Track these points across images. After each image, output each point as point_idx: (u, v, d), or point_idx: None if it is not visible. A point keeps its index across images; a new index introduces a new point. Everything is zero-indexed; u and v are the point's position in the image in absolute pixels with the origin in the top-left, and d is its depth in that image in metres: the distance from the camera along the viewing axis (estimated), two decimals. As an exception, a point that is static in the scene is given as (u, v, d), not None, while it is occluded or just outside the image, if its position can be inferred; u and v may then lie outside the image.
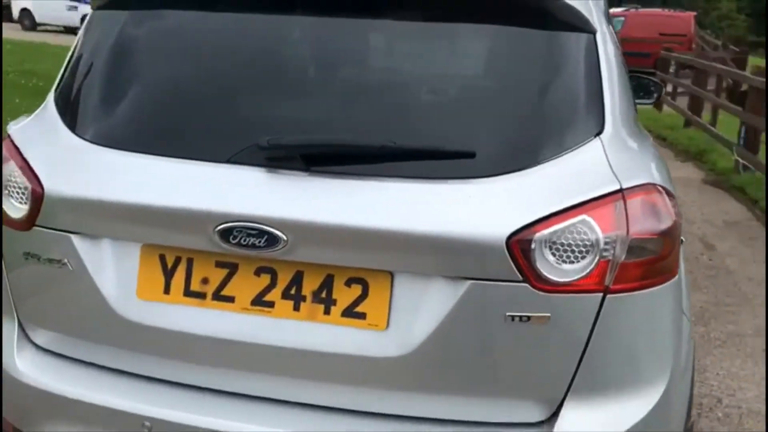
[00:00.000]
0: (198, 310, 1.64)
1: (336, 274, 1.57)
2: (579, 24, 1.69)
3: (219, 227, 1.54)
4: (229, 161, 1.60)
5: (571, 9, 1.69)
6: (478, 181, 1.53)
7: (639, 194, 1.56)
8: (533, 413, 1.59)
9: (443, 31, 1.74)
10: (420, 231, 1.51)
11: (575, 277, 1.50)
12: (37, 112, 1.93)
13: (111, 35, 1.86)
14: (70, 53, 1.96)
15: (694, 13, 21.14)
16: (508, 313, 1.51)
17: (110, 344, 1.74)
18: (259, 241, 1.53)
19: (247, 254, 1.56)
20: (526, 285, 1.49)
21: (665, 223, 1.57)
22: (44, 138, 1.80)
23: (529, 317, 1.51)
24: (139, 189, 1.63)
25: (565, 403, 1.58)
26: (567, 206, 1.50)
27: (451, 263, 1.51)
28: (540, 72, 1.67)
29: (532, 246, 1.48)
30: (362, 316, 1.56)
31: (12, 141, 1.82)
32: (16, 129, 1.86)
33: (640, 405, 1.62)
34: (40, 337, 1.83)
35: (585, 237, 1.49)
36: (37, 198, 1.70)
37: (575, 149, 1.59)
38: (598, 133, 1.62)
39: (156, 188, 1.62)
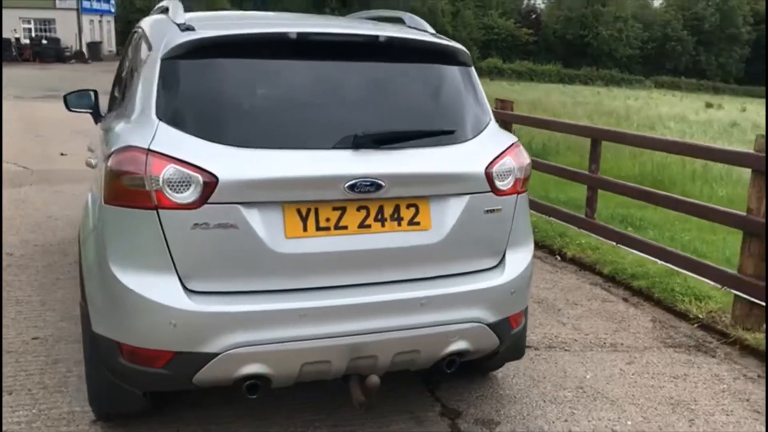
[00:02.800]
0: (326, 238, 2.75)
1: (400, 203, 2.84)
2: (466, 61, 3.22)
3: (347, 183, 2.70)
4: (333, 147, 2.75)
5: (464, 51, 3.20)
6: (460, 145, 2.97)
7: (519, 146, 3.17)
8: (494, 261, 3.08)
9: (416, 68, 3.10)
10: (441, 172, 2.89)
11: (508, 187, 3.04)
12: (132, 126, 2.76)
13: (210, 73, 2.80)
14: (152, 82, 2.80)
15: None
16: (485, 209, 2.98)
17: (265, 274, 2.71)
18: (371, 189, 2.73)
19: (358, 197, 2.73)
20: (492, 193, 2.98)
21: (528, 160, 3.20)
22: (181, 146, 2.65)
23: (493, 210, 3.00)
24: (284, 168, 2.67)
25: (506, 253, 3.11)
26: (500, 152, 3.04)
27: (459, 187, 2.92)
28: (460, 89, 3.15)
29: (493, 173, 2.98)
30: (417, 223, 2.87)
31: (154, 151, 2.63)
32: (153, 142, 2.65)
33: (528, 252, 3.23)
34: (198, 284, 2.67)
35: (510, 167, 3.04)
36: (211, 184, 2.60)
37: (487, 127, 3.12)
38: (490, 119, 3.18)
39: (294, 166, 2.68)
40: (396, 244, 2.84)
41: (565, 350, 4.28)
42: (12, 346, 4.05)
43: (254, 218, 2.67)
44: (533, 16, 69.60)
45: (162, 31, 3.07)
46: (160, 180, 2.60)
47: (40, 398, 3.49)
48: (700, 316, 4.73)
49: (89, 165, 3.74)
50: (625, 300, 5.22)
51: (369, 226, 2.80)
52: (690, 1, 76.07)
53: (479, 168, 2.96)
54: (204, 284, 2.69)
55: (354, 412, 3.14)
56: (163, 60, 2.83)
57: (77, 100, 5.03)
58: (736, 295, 4.52)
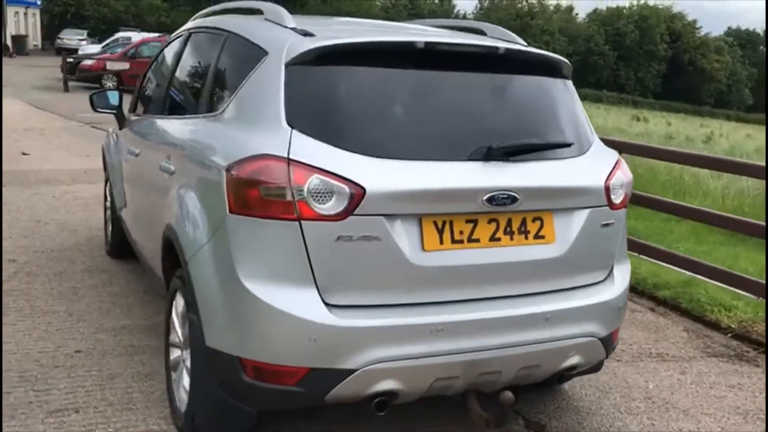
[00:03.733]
0: (460, 251, 2.69)
1: (527, 216, 2.81)
2: (568, 74, 3.22)
3: (486, 196, 2.65)
4: (468, 159, 2.70)
5: (568, 64, 3.20)
6: (577, 158, 2.97)
7: (622, 160, 3.19)
8: (604, 275, 3.08)
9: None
10: (569, 185, 2.87)
11: (619, 201, 3.05)
12: (258, 133, 2.65)
13: (339, 82, 2.70)
14: (276, 88, 2.68)
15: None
16: (602, 222, 2.99)
17: (403, 287, 2.63)
18: (507, 201, 2.69)
19: (492, 210, 2.69)
20: (608, 207, 2.99)
21: (631, 175, 3.22)
22: (322, 156, 2.55)
23: (608, 224, 3.01)
24: (427, 180, 2.60)
25: (614, 267, 3.13)
26: (612, 166, 3.06)
27: (581, 201, 2.92)
28: (568, 102, 3.14)
29: (610, 187, 2.99)
30: (542, 237, 2.84)
31: (295, 160, 2.52)
32: (292, 151, 2.54)
33: (628, 266, 3.26)
34: (336, 298, 2.57)
35: (621, 181, 3.06)
36: (358, 196, 2.50)
37: (594, 141, 3.13)
38: (593, 133, 3.19)
39: (436, 178, 2.62)
40: (523, 258, 2.81)
41: (617, 360, 4.33)
42: (57, 360, 3.81)
43: (396, 231, 2.59)
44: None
45: (273, 35, 2.95)
46: (305, 190, 2.49)
47: (110, 416, 3.30)
48: (733, 326, 4.88)
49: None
50: (652, 310, 5.34)
51: (499, 239, 2.77)
52: (611, 17, 79.11)
53: (600, 182, 2.96)
54: (342, 298, 2.59)
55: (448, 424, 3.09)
56: (289, 66, 2.72)
57: (102, 100, 4.80)
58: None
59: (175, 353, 3.31)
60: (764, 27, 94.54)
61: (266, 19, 3.18)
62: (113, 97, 4.91)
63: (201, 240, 2.80)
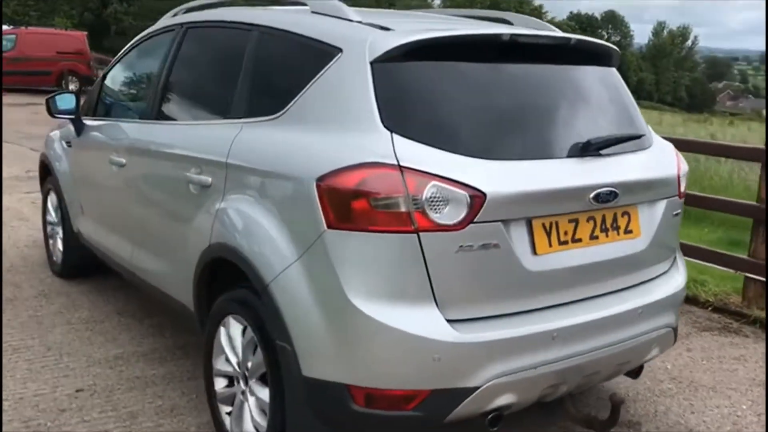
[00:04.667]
0: (566, 252, 2.59)
1: (617, 211, 2.75)
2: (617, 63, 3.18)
3: (593, 194, 2.56)
4: (567, 156, 2.60)
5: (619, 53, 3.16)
6: (648, 150, 2.94)
7: (678, 152, 3.20)
8: (669, 264, 3.09)
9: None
10: (654, 177, 2.84)
11: (683, 190, 3.06)
12: (350, 137, 2.43)
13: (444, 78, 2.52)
14: (363, 88, 2.46)
15: (86, 33, 22.13)
16: (674, 212, 2.98)
17: (517, 295, 2.49)
18: (610, 198, 2.62)
19: (595, 207, 2.60)
20: (677, 197, 2.99)
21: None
22: (433, 161, 2.35)
23: (677, 213, 3.01)
24: (539, 180, 2.48)
25: (676, 256, 3.14)
26: (676, 157, 3.06)
27: (661, 192, 2.90)
28: (627, 92, 3.11)
29: (680, 177, 2.99)
30: (630, 231, 2.80)
31: (407, 167, 2.31)
32: (399, 157, 2.32)
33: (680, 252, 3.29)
34: (454, 312, 2.39)
35: (684, 170, 3.07)
36: (478, 202, 2.33)
37: (651, 131, 3.11)
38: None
39: (548, 178, 2.50)
40: (617, 254, 2.75)
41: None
42: (61, 403, 3.38)
43: (513, 236, 2.45)
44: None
45: (342, 30, 2.70)
46: (422, 200, 2.29)
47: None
48: (710, 300, 5.10)
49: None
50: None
51: (597, 237, 2.69)
52: (465, 3, 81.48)
53: (674, 171, 2.96)
54: (461, 311, 2.42)
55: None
56: (375, 63, 2.49)
57: (62, 104, 4.30)
58: (747, 278, 4.94)
59: (220, 383, 3.00)
60: (601, 12, 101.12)
61: (315, 12, 2.91)
62: (71, 101, 4.39)
63: (286, 260, 2.52)
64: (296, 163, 2.55)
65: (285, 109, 2.73)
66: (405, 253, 2.32)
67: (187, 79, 3.58)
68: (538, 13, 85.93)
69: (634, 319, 2.77)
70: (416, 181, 2.30)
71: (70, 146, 4.66)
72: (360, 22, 2.71)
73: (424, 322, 2.35)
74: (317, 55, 2.68)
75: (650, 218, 2.87)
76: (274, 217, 2.60)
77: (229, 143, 2.91)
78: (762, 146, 4.89)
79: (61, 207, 4.82)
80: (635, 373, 3.09)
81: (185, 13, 3.96)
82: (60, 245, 5.00)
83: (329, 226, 2.38)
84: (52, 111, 4.35)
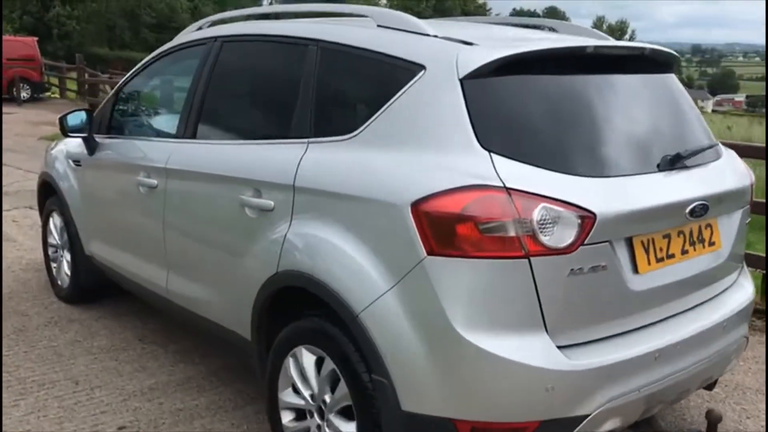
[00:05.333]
0: (662, 269, 2.53)
1: (701, 224, 2.70)
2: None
3: (689, 208, 2.51)
4: (659, 170, 2.53)
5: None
6: (721, 159, 2.90)
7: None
8: (737, 273, 3.05)
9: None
10: (735, 188, 2.80)
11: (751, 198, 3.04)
12: (443, 158, 2.32)
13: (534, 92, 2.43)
14: (454, 106, 2.36)
15: (36, 39, 21.40)
16: (746, 222, 2.96)
17: (620, 316, 2.42)
18: (703, 211, 2.56)
19: (687, 222, 2.55)
20: (749, 205, 2.97)
21: None
22: (538, 181, 2.26)
23: (748, 222, 2.99)
24: (643, 197, 2.41)
25: (743, 266, 3.11)
26: (744, 166, 3.03)
27: (739, 202, 2.86)
28: (690, 99, 3.07)
29: (752, 185, 2.96)
30: (713, 243, 2.75)
31: (514, 189, 2.21)
32: (504, 179, 2.22)
33: None
34: (563, 338, 2.30)
35: (752, 179, 3.04)
36: (589, 222, 2.25)
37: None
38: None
39: (650, 194, 2.43)
40: (703, 267, 2.71)
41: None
42: None
43: (619, 255, 2.38)
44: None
45: (421, 45, 2.57)
46: (533, 223, 2.20)
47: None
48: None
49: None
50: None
51: (687, 251, 2.64)
52: (411, 0, 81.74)
53: (747, 181, 2.93)
54: (569, 337, 2.33)
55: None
56: (465, 80, 2.39)
57: (75, 122, 4.08)
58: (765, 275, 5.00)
59: (287, 416, 2.86)
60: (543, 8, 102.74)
61: (382, 26, 2.78)
62: (83, 118, 4.16)
63: (378, 288, 2.39)
64: (384, 186, 2.42)
65: (360, 129, 2.60)
66: (515, 279, 2.23)
67: (231, 96, 3.40)
68: (483, 10, 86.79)
69: (721, 332, 2.74)
70: (525, 203, 2.20)
71: (79, 165, 4.41)
72: (436, 36, 2.59)
73: (536, 350, 2.25)
74: (395, 72, 2.56)
75: (729, 229, 2.83)
76: (360, 242, 2.46)
77: (295, 165, 2.76)
78: (762, 145, 4.95)
79: (69, 229, 4.57)
80: (711, 385, 3.06)
81: (210, 26, 3.78)
82: (66, 269, 4.75)
83: (430, 253, 2.26)
84: (66, 130, 4.12)
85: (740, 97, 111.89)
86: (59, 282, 4.87)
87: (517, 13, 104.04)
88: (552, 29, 3.37)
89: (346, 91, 2.83)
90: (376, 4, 77.76)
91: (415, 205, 2.29)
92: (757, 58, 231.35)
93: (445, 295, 2.25)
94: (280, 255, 2.76)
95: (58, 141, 5.01)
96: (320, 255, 2.60)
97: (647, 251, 2.48)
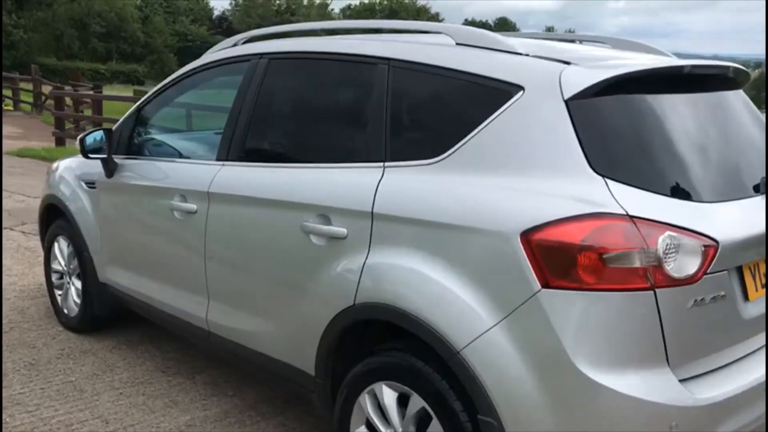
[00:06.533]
0: (763, 296, 2.44)
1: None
2: None
3: None
4: (757, 192, 2.45)
5: None
6: None
7: None
8: None
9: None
10: None
11: None
12: (579, 194, 2.16)
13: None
14: (561, 129, 2.24)
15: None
16: None
17: (732, 344, 2.32)
18: None
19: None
20: None
21: None
22: (657, 208, 2.15)
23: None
24: (755, 223, 2.32)
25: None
26: None
27: None
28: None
29: None
30: None
31: (638, 217, 2.10)
32: (625, 206, 2.11)
33: None
34: (683, 371, 2.19)
35: None
36: (712, 251, 2.15)
37: None
38: None
39: (758, 219, 2.34)
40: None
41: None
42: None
43: (734, 284, 2.29)
44: (226, 24, 69.05)
45: (515, 65, 2.44)
46: (657, 253, 2.09)
47: None
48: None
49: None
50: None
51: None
52: (365, 12, 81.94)
53: None
54: (688, 370, 2.23)
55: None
56: (571, 101, 2.27)
57: (95, 143, 3.85)
58: None
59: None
60: (493, 20, 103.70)
61: (462, 44, 2.64)
62: (102, 138, 3.92)
63: (483, 323, 2.24)
64: (485, 213, 2.28)
65: (449, 153, 2.46)
66: (640, 312, 2.11)
67: (285, 116, 3.22)
68: (436, 19, 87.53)
69: None
70: (649, 231, 2.09)
71: (93, 187, 4.16)
72: (528, 54, 2.47)
73: (660, 386, 2.14)
74: (488, 93, 2.43)
75: None
76: (456, 273, 2.32)
77: (372, 190, 2.60)
78: None
79: (81, 255, 4.30)
80: None
81: (245, 43, 3.59)
82: (75, 296, 4.47)
83: (545, 285, 2.13)
84: (86, 151, 3.87)
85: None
86: (65, 311, 4.59)
87: (468, 23, 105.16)
88: (604, 43, 3.29)
89: (427, 114, 2.68)
90: (330, 18, 77.75)
91: (526, 235, 2.16)
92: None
93: (563, 330, 2.12)
94: (357, 286, 2.59)
95: (60, 161, 4.73)
96: (409, 286, 2.45)
97: (754, 277, 2.40)
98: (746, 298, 2.35)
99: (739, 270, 2.33)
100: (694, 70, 2.53)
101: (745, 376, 2.33)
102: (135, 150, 3.93)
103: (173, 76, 3.82)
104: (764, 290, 2.45)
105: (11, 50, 42.00)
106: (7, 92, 22.63)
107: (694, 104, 2.56)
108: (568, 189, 2.19)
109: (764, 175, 2.52)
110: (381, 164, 2.64)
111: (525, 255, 2.15)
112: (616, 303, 2.10)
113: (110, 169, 3.94)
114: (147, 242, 3.78)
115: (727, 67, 2.70)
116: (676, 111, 2.46)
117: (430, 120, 2.65)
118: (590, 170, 2.19)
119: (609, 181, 2.17)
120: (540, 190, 2.23)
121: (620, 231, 2.09)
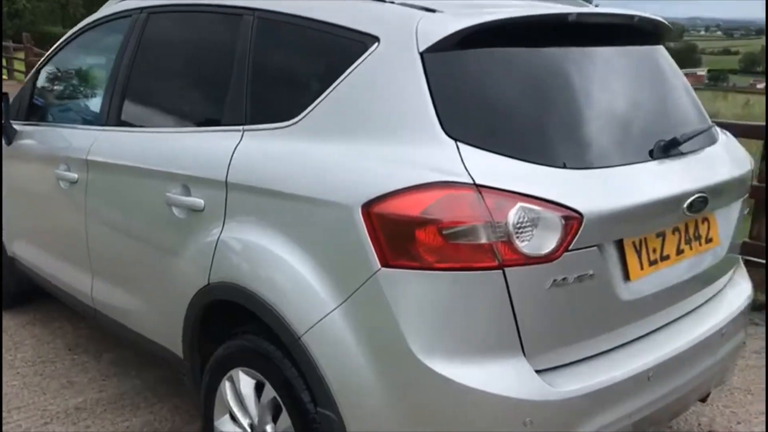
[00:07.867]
0: (655, 273, 2.17)
1: (698, 219, 2.35)
2: None
3: (687, 202, 2.15)
4: (651, 158, 2.17)
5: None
6: (718, 144, 2.54)
7: None
8: (734, 267, 2.71)
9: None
10: (734, 177, 2.43)
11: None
12: (425, 160, 1.89)
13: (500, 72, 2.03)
14: (414, 86, 1.96)
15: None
16: (745, 212, 2.61)
17: (607, 330, 2.06)
18: (703, 205, 2.21)
19: (684, 218, 2.19)
20: (747, 195, 2.62)
21: None
22: (511, 175, 1.88)
23: (746, 212, 2.65)
24: (636, 192, 2.03)
25: (740, 261, 2.78)
26: (743, 149, 2.68)
27: (738, 192, 2.51)
28: (681, 74, 2.70)
29: (752, 171, 2.61)
30: (711, 240, 2.41)
31: (485, 186, 1.83)
32: (473, 174, 1.84)
33: None
34: (543, 360, 1.94)
35: (752, 164, 2.69)
36: (575, 224, 1.87)
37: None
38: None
39: (643, 188, 2.06)
40: (700, 268, 2.37)
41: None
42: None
43: (608, 261, 2.01)
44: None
45: (373, 12, 2.16)
46: (509, 226, 1.82)
47: None
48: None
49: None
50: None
51: (683, 251, 2.29)
52: None
53: (748, 166, 2.58)
54: (549, 359, 1.97)
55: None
56: (426, 54, 1.98)
57: None
58: (748, 261, 4.71)
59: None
60: None
61: None
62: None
63: (325, 306, 2.00)
64: (330, 183, 2.02)
65: (302, 115, 2.20)
66: (487, 294, 1.85)
67: (157, 77, 2.95)
68: None
69: (719, 339, 2.41)
70: (498, 203, 1.82)
71: (-2, 157, 3.93)
72: (393, 2, 2.19)
73: (513, 378, 1.89)
74: (344, 46, 2.15)
75: (726, 222, 2.49)
76: (302, 251, 2.07)
77: (228, 157, 2.34)
78: (762, 123, 4.65)
79: (-11, 228, 4.08)
80: (705, 397, 2.73)
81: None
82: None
83: (384, 264, 1.88)
84: None
85: (702, 72, 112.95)
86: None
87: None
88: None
89: (286, 70, 2.40)
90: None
91: (368, 207, 1.90)
92: (719, 33, 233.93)
93: (402, 315, 1.86)
94: (211, 264, 2.35)
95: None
96: (257, 264, 2.20)
97: (639, 254, 2.12)
98: (627, 277, 2.08)
99: (619, 245, 2.06)
100: (582, 18, 2.22)
101: (621, 367, 2.06)
102: (34, 115, 3.68)
103: (68, 34, 3.56)
104: (654, 268, 2.17)
105: (15, 19, 41.68)
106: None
107: (585, 59, 2.26)
108: (417, 155, 1.92)
109: (662, 139, 2.22)
110: (240, 128, 2.38)
111: (365, 230, 1.90)
112: (461, 284, 1.85)
113: (9, 135, 3.70)
114: (40, 214, 3.56)
115: (632, 17, 2.39)
116: (556, 66, 2.16)
117: (287, 78, 2.38)
118: (442, 133, 1.91)
119: (462, 146, 1.89)
120: (389, 157, 1.96)
121: (463, 203, 1.82)
